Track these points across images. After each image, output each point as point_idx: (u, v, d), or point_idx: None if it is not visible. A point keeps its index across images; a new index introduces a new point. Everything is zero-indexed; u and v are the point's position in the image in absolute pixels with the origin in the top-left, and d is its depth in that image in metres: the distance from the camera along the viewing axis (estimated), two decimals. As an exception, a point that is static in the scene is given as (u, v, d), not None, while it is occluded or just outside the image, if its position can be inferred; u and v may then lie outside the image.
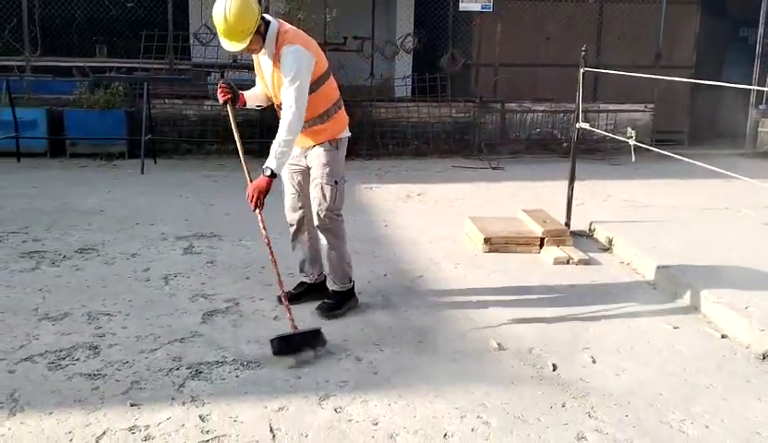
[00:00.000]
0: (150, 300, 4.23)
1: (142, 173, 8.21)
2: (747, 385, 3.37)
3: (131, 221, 6.00)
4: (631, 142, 4.67)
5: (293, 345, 3.48)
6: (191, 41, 10.24)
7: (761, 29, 11.02)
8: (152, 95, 9.10)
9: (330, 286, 4.16)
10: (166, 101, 9.63)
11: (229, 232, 5.80)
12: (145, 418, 2.90)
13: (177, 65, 9.94)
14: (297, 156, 4.00)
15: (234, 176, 8.40)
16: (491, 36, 10.54)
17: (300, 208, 4.15)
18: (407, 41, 10.98)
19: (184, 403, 3.03)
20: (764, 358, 3.62)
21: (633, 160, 4.78)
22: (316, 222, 4.03)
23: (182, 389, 3.16)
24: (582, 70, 5.43)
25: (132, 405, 2.99)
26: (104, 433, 2.80)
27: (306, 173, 4.04)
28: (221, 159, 9.55)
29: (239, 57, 10.05)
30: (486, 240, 5.37)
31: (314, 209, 4.00)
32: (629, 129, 4.75)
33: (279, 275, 3.75)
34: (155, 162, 8.84)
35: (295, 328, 3.61)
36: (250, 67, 10.12)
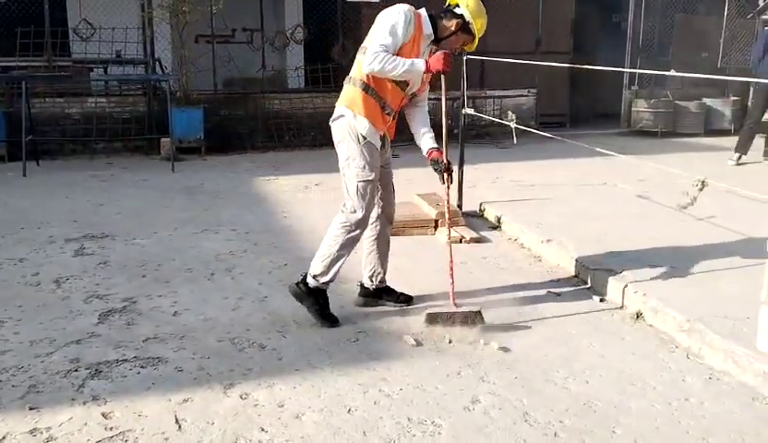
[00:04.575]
0: (42, 304, 4.11)
1: (24, 175, 7.85)
2: (622, 342, 3.68)
3: (16, 226, 5.76)
4: (512, 125, 4.95)
5: (448, 320, 3.72)
6: (70, 36, 9.83)
7: (631, 15, 11.78)
8: (32, 94, 8.70)
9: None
10: (47, 99, 9.24)
11: (121, 231, 5.68)
12: (46, 420, 2.85)
13: (56, 63, 9.51)
14: (381, 148, 3.87)
15: (123, 175, 8.20)
16: (380, 26, 10.70)
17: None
18: (297, 32, 11.01)
19: (85, 403, 3.00)
20: (637, 317, 3.96)
21: (515, 142, 5.06)
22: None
23: (82, 389, 3.12)
24: (464, 57, 5.68)
25: (31, 409, 2.93)
26: (4, 438, 2.74)
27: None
28: (108, 157, 9.28)
29: (123, 52, 9.77)
30: (383, 225, 5.52)
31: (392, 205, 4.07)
32: (509, 113, 5.04)
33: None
34: (38, 164, 8.48)
35: (456, 306, 3.80)
36: (134, 62, 9.94)
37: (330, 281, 3.86)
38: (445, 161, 3.90)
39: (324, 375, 3.29)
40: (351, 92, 3.77)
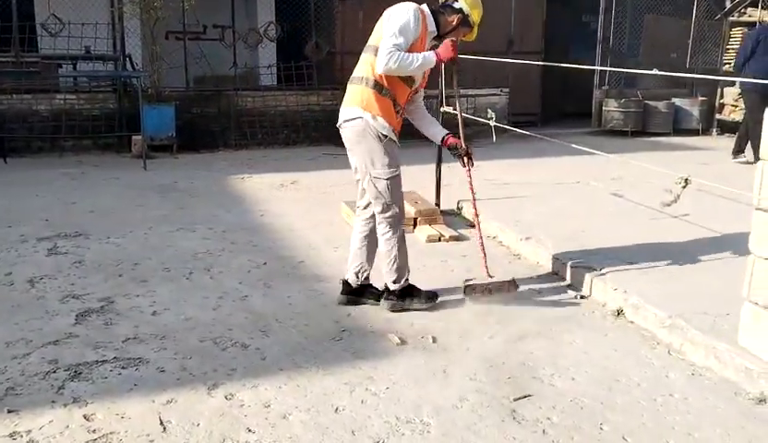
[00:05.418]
0: (16, 304, 4.01)
1: (-8, 173, 7.67)
2: (604, 339, 3.71)
3: (-15, 225, 5.62)
4: (492, 123, 4.96)
5: (485, 290, 4.01)
6: (38, 31, 9.61)
7: (601, 15, 11.91)
8: (-2, 90, 8.51)
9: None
10: (14, 96, 9.02)
11: (95, 230, 5.57)
12: (26, 423, 2.78)
13: (24, 58, 9.30)
14: None
15: (94, 173, 8.05)
16: (353, 24, 10.66)
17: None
18: (270, 29, 10.91)
19: (65, 405, 2.93)
20: (618, 314, 4.00)
21: (494, 140, 5.07)
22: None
23: (62, 391, 3.04)
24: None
25: (10, 411, 2.85)
26: (-20, 444, 2.67)
27: None
28: (78, 155, 9.10)
29: (93, 48, 9.58)
30: (362, 223, 5.50)
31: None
32: (489, 111, 5.04)
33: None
34: (5, 162, 8.28)
35: (490, 276, 4.06)
36: (104, 58, 9.76)
37: (408, 275, 3.98)
38: (463, 145, 4.11)
39: (309, 374, 3.26)
40: (364, 93, 3.76)
